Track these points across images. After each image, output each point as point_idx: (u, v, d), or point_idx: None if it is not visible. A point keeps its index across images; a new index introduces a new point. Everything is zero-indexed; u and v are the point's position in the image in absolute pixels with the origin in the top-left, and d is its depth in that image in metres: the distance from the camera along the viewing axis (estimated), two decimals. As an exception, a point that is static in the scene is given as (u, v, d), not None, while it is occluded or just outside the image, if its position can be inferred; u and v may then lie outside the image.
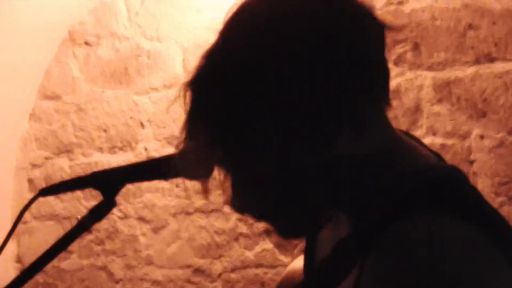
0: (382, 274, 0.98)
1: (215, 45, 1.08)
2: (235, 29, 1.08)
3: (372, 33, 1.07)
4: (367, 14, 1.07)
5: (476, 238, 1.00)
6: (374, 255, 1.01)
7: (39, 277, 3.30)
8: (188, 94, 1.08)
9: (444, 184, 1.06)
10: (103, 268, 3.27)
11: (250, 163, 1.07)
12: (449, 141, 2.69)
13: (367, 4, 1.08)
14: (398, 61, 2.70)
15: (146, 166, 1.30)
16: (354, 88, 1.04)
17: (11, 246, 3.33)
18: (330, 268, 1.10)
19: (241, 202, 1.13)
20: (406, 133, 1.19)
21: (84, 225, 1.27)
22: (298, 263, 1.43)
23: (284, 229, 1.15)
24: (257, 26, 1.05)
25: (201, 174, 1.20)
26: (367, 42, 1.06)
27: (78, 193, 3.26)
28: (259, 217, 1.16)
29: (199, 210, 3.12)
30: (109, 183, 1.28)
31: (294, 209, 1.11)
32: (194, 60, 3.03)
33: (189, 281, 3.13)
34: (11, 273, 3.30)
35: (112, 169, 1.30)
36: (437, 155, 1.19)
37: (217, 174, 1.19)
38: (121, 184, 1.28)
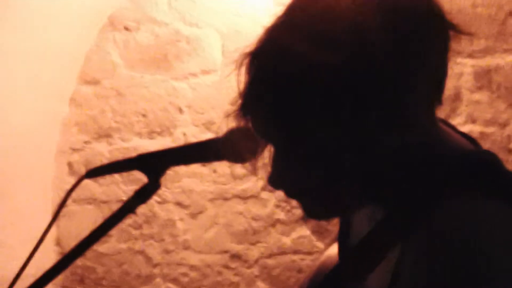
0: (426, 259, 1.01)
1: (285, 20, 1.09)
2: (304, 7, 1.08)
3: (439, 35, 1.08)
4: (437, 15, 1.08)
5: None
6: (418, 238, 1.03)
7: (78, 260, 3.32)
8: (248, 64, 1.09)
9: (482, 168, 1.08)
10: (141, 252, 3.29)
11: (300, 142, 1.08)
12: (489, 129, 2.70)
13: (438, 4, 1.09)
14: (437, 49, 2.69)
15: (192, 149, 1.33)
16: (413, 90, 1.06)
17: (51, 229, 3.35)
18: (367, 249, 1.11)
19: (278, 178, 1.15)
20: (443, 121, 1.21)
21: (129, 207, 1.31)
22: (334, 249, 1.46)
23: (314, 210, 1.17)
24: (327, 11, 1.05)
25: (246, 157, 1.23)
26: (435, 46, 1.07)
27: (117, 177, 3.28)
28: (292, 195, 1.17)
29: (236, 196, 3.14)
30: (154, 165, 1.31)
31: (329, 195, 1.13)
32: (232, 47, 3.06)
33: (226, 266, 3.16)
34: (51, 255, 3.31)
35: (158, 152, 1.33)
36: (472, 140, 1.21)
37: (258, 159, 1.24)
38: (166, 167, 1.31)
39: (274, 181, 1.15)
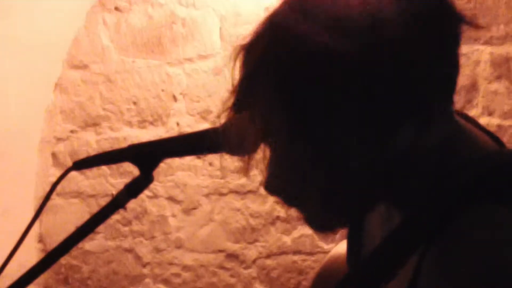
0: (451, 272, 0.99)
1: (282, 9, 1.07)
2: None
3: (450, 26, 1.07)
4: (448, 7, 1.07)
5: None
6: (440, 247, 1.01)
7: (62, 259, 3.32)
8: (244, 57, 1.08)
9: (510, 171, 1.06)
10: (130, 250, 3.29)
11: (302, 143, 1.06)
12: (507, 122, 2.67)
13: None
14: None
15: (187, 139, 1.31)
16: (426, 83, 1.04)
17: (33, 225, 3.36)
18: (382, 256, 1.08)
19: (276, 183, 1.12)
20: (463, 115, 1.19)
21: (118, 202, 1.29)
22: (341, 248, 1.43)
23: (319, 220, 1.15)
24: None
25: (246, 149, 1.20)
26: (446, 36, 1.07)
27: (105, 170, 3.28)
28: (292, 202, 1.15)
29: (234, 191, 3.13)
30: (147, 157, 1.29)
31: (337, 202, 1.11)
32: (232, 30, 3.06)
33: (221, 267, 3.15)
34: (33, 253, 3.33)
35: (151, 142, 1.33)
36: (495, 138, 1.19)
37: (258, 152, 1.19)
38: (160, 159, 1.30)
39: (271, 185, 1.13)
